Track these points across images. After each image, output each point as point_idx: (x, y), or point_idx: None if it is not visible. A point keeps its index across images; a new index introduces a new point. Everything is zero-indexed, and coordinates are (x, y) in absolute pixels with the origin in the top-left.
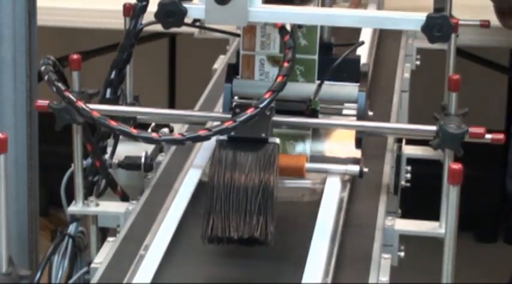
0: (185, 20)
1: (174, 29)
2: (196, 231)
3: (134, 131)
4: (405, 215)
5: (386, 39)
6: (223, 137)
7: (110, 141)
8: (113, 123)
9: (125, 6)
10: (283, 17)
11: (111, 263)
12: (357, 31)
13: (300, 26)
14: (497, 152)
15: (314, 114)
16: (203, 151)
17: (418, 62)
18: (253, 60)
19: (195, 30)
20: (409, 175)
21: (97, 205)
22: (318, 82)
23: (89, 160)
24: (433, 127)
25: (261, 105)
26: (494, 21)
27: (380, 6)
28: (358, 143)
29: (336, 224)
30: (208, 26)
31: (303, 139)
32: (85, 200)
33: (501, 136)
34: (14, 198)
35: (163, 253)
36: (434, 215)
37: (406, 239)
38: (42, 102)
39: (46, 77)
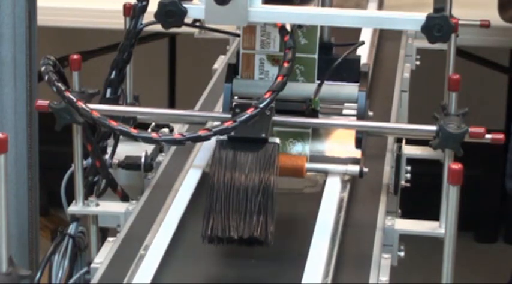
0: (185, 20)
1: (174, 29)
2: (196, 231)
3: (134, 131)
4: (405, 215)
5: (386, 39)
6: (223, 137)
7: (110, 141)
8: (113, 123)
9: (124, 6)
10: (283, 17)
11: (111, 263)
12: (357, 31)
13: (300, 26)
14: (497, 152)
15: (314, 114)
16: (203, 151)
17: (418, 62)
18: (253, 59)
19: (195, 30)
20: (409, 175)
21: (97, 205)
22: (318, 82)
23: (89, 160)
24: (433, 127)
25: (261, 105)
26: (495, 21)
27: (380, 6)
28: (358, 143)
29: (336, 224)
30: (208, 26)
31: (303, 139)
32: (85, 200)
33: (501, 136)
34: (14, 198)
35: (163, 253)
36: (434, 215)
37: (406, 239)
38: (42, 102)
39: (46, 77)
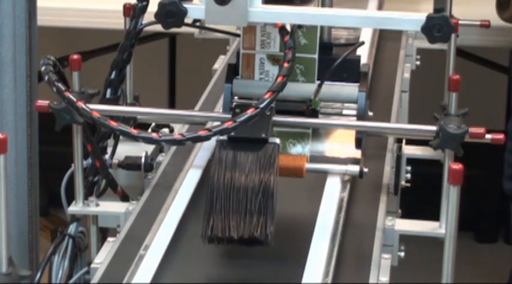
0: (185, 20)
1: (174, 29)
2: (196, 231)
3: (134, 131)
4: (405, 215)
5: (386, 39)
6: (224, 137)
7: (110, 141)
8: (113, 123)
9: (124, 6)
10: (283, 17)
11: (111, 263)
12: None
13: (300, 26)
14: (497, 152)
15: (314, 114)
16: (203, 151)
17: (418, 62)
18: (253, 59)
19: (195, 30)
20: (409, 176)
21: (97, 205)
22: (318, 82)
23: (89, 160)
24: (433, 127)
25: (261, 105)
26: (495, 21)
27: (380, 6)
28: (358, 143)
29: (336, 224)
30: (208, 26)
31: (303, 139)
32: (85, 200)
33: (501, 136)
34: (14, 198)
35: (163, 253)
36: (434, 215)
37: (406, 239)
38: (42, 102)
39: (46, 77)
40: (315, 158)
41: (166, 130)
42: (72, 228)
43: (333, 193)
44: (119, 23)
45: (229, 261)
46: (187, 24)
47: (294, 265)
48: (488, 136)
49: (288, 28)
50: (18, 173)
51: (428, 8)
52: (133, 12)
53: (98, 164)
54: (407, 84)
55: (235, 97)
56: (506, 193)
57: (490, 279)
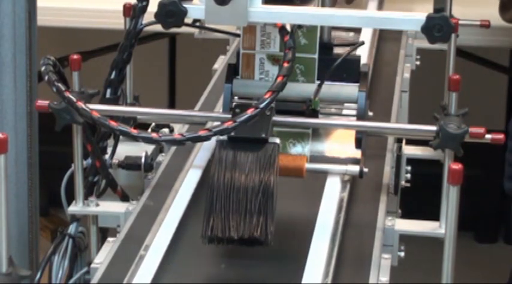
0: (185, 20)
1: (174, 29)
2: (196, 231)
3: (134, 131)
4: (405, 215)
5: (386, 39)
6: (224, 137)
7: (110, 141)
8: (113, 123)
9: (124, 6)
10: (283, 17)
11: (111, 263)
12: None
13: (300, 26)
14: (497, 152)
15: (314, 114)
16: (203, 152)
17: (418, 62)
18: (253, 59)
19: (195, 30)
20: (409, 176)
21: (97, 205)
22: (318, 82)
23: (89, 160)
24: (433, 127)
25: (261, 105)
26: (495, 21)
27: (380, 6)
28: (358, 143)
29: (336, 224)
30: (208, 26)
31: (303, 139)
32: (85, 200)
33: (501, 136)
34: (14, 198)
35: (163, 253)
36: (434, 215)
37: (406, 239)
38: (42, 102)
39: (46, 77)
40: (315, 158)
41: (166, 130)
42: (72, 228)
43: (333, 193)
44: (119, 23)
45: (229, 261)
46: (187, 24)
47: (294, 265)
48: (488, 136)
49: (288, 28)
50: (18, 173)
51: (428, 8)
52: (133, 12)
53: (98, 164)
54: (407, 84)
55: (235, 97)
56: (507, 193)
57: (490, 279)
